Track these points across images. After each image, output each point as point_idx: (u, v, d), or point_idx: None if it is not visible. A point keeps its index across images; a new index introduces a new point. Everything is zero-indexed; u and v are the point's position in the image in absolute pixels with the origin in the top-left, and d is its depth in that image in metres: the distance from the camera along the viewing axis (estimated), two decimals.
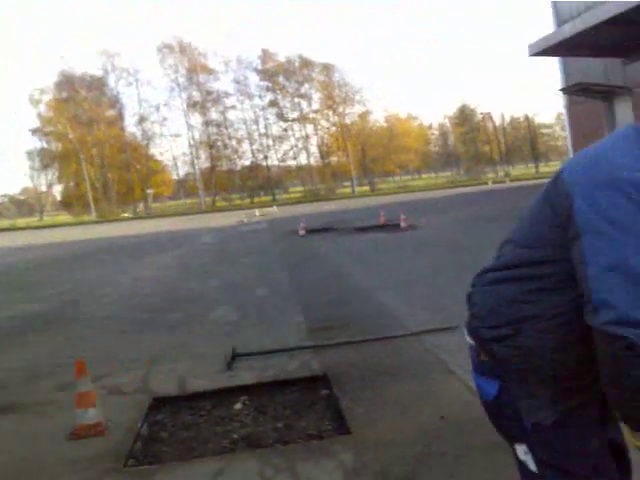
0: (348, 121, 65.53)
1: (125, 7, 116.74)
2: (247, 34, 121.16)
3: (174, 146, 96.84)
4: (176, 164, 65.95)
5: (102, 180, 59.72)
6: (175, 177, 69.21)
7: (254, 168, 63.15)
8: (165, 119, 63.30)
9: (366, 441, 3.50)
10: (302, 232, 18.07)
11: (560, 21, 27.56)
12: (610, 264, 1.31)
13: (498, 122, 77.32)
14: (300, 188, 67.86)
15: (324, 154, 67.01)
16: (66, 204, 65.33)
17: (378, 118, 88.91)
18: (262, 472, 3.24)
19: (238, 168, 64.26)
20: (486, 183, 48.88)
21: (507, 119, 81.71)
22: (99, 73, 60.56)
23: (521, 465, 1.62)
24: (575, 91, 27.17)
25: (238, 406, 4.35)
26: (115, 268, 13.88)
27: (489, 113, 78.03)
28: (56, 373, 5.43)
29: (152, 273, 12.36)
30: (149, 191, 56.10)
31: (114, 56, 59.74)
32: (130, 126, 64.21)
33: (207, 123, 61.69)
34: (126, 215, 54.05)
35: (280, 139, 65.73)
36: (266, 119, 64.74)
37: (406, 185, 64.91)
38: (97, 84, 60.53)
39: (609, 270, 1.31)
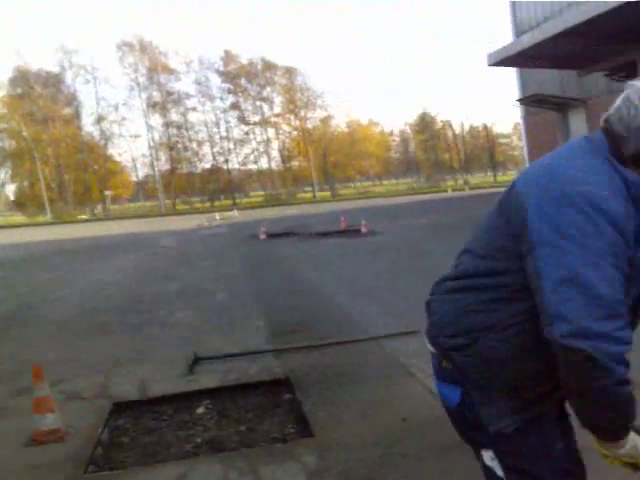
0: (310, 126, 65.72)
1: (84, 3, 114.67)
2: (209, 35, 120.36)
3: (133, 147, 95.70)
4: (135, 165, 65.02)
5: (58, 180, 58.33)
6: (134, 179, 68.26)
7: (215, 171, 62.65)
8: (124, 119, 62.35)
9: (329, 444, 3.54)
10: (263, 236, 18.04)
11: (519, 31, 28.23)
12: (563, 277, 1.33)
13: (458, 130, 78.66)
14: (261, 192, 67.63)
15: (285, 158, 66.97)
16: (19, 204, 63.56)
17: (340, 123, 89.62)
18: (226, 476, 3.25)
19: (199, 171, 63.65)
20: (446, 191, 49.58)
21: (466, 128, 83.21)
22: (56, 70, 59.16)
23: (488, 471, 1.63)
24: (531, 102, 27.85)
25: (201, 410, 4.34)
26: (73, 271, 13.61)
27: (449, 121, 79.36)
28: (13, 378, 5.32)
29: (111, 276, 12.17)
30: (107, 192, 55.11)
31: (72, 53, 58.40)
32: (87, 125, 62.85)
33: (167, 124, 60.95)
34: (83, 217, 52.95)
35: (241, 142, 65.43)
36: (227, 122, 64.41)
37: (367, 191, 65.28)
38: (53, 81, 59.13)
39: (563, 283, 1.33)
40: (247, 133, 65.13)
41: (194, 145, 63.14)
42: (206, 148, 64.18)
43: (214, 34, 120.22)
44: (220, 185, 62.47)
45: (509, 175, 71.07)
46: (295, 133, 66.15)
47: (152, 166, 59.92)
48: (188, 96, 62.06)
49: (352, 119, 76.36)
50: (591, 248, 1.32)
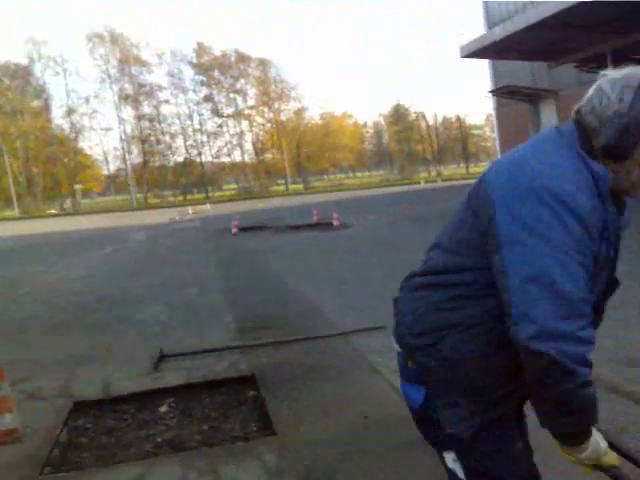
0: (283, 118, 65.51)
1: None
2: (181, 27, 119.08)
3: (105, 140, 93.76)
4: (106, 159, 64.19)
5: (26, 174, 57.33)
6: (105, 172, 67.36)
7: (188, 164, 62.12)
8: (95, 112, 61.18)
9: (290, 442, 3.51)
10: (235, 230, 17.93)
11: (491, 23, 28.44)
12: (529, 275, 1.32)
13: (431, 122, 79.02)
14: (234, 186, 67.29)
15: (259, 151, 66.67)
16: None
17: (313, 115, 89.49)
18: (185, 476, 3.21)
19: (171, 164, 63.10)
20: (419, 182, 49.77)
21: (440, 119, 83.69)
22: (24, 61, 58.03)
23: (450, 473, 1.63)
24: (503, 93, 28.08)
25: (164, 409, 4.29)
26: (39, 266, 13.38)
27: (423, 113, 79.87)
28: None
29: (79, 272, 11.99)
30: (77, 186, 54.11)
31: (40, 44, 57.34)
32: (57, 118, 61.84)
33: (139, 117, 60.20)
34: (52, 212, 52.10)
35: (214, 135, 64.97)
36: (200, 114, 63.85)
37: (340, 183, 65.26)
38: (22, 73, 57.93)
39: (528, 282, 1.32)
40: (220, 126, 64.72)
41: (167, 138, 62.59)
42: (179, 141, 63.81)
43: (186, 26, 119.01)
44: (193, 178, 61.98)
45: (481, 166, 71.66)
46: (269, 125, 65.92)
47: (124, 159, 59.12)
48: (161, 88, 61.45)
49: (326, 111, 76.46)
50: (557, 245, 1.31)
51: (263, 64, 63.17)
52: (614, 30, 16.28)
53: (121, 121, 58.38)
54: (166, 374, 4.93)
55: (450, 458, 1.59)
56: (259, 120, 65.96)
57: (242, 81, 63.53)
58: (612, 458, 1.51)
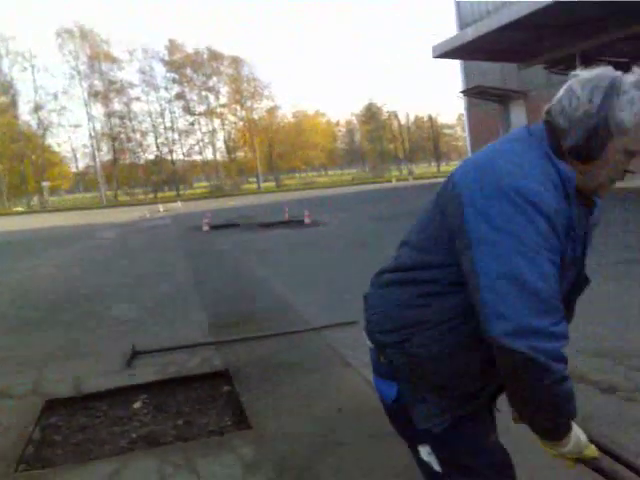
0: (256, 116, 65.25)
1: None
2: (153, 23, 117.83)
3: (74, 137, 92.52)
4: (75, 156, 63.26)
5: None
6: (74, 170, 66.36)
7: (158, 162, 61.50)
8: (64, 108, 59.80)
9: (266, 435, 3.55)
10: (206, 228, 17.86)
11: (463, 24, 28.75)
12: (500, 273, 1.32)
13: (403, 121, 79.54)
14: (205, 183, 66.88)
15: (230, 149, 66.33)
16: None
17: (286, 114, 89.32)
18: (161, 470, 3.21)
19: (142, 162, 62.39)
20: (390, 181, 50.06)
21: (412, 118, 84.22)
22: None
23: (425, 466, 1.64)
24: (474, 93, 28.46)
25: (137, 405, 4.28)
26: (6, 264, 13.16)
27: (395, 112, 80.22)
28: None
29: (48, 269, 11.83)
30: (45, 184, 53.19)
31: (8, 40, 56.30)
32: (25, 114, 60.69)
33: (110, 114, 59.39)
34: (19, 209, 51.17)
35: (186, 133, 64.44)
36: (172, 112, 63.28)
37: (312, 181, 65.27)
38: None
39: (499, 280, 1.32)
40: (192, 123, 64.22)
41: (138, 135, 61.85)
42: (150, 139, 63.02)
43: (158, 23, 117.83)
44: (164, 176, 61.38)
45: (452, 165, 72.10)
46: (241, 124, 65.59)
47: (93, 157, 58.27)
48: (131, 85, 60.74)
49: (298, 109, 76.39)
50: (526, 243, 1.32)
51: (236, 62, 62.87)
52: (583, 32, 16.60)
53: (91, 118, 57.58)
54: (139, 371, 4.91)
55: (425, 451, 1.61)
56: (231, 118, 65.68)
57: (214, 79, 63.19)
58: (592, 450, 1.52)
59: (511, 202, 1.33)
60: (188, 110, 63.27)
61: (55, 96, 57.79)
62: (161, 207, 34.08)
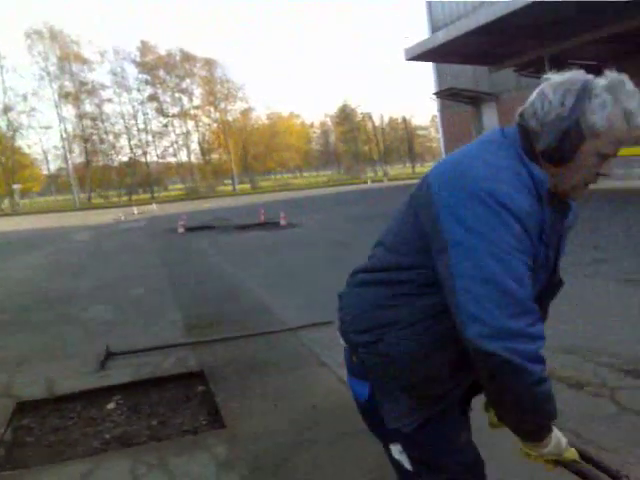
0: (230, 118, 64.97)
1: None
2: (125, 24, 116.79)
3: (44, 139, 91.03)
4: (47, 158, 62.30)
5: None
6: (46, 172, 65.35)
7: (132, 164, 60.89)
8: (34, 109, 58.84)
9: (240, 434, 3.56)
10: (181, 230, 17.76)
11: (435, 28, 28.99)
12: (475, 276, 1.32)
13: (378, 122, 79.81)
14: (180, 186, 66.42)
15: (205, 151, 65.99)
16: None
17: (260, 115, 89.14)
18: (134, 470, 3.21)
19: (115, 164, 61.74)
20: (365, 182, 50.20)
21: (386, 120, 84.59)
22: None
23: (396, 464, 1.65)
24: (446, 95, 28.73)
25: (111, 406, 4.26)
26: None
27: (369, 113, 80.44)
28: None
29: (21, 273, 11.66)
30: (15, 186, 52.30)
31: None
32: None
33: (81, 116, 58.62)
34: None
35: (160, 135, 63.89)
36: (145, 114, 62.70)
37: (287, 183, 65.27)
38: None
39: (474, 282, 1.32)
40: (166, 125, 63.71)
41: (110, 137, 61.15)
42: (123, 140, 62.42)
43: (130, 24, 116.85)
44: (138, 178, 60.79)
45: (427, 166, 72.69)
46: (215, 125, 65.26)
47: (65, 159, 57.48)
48: (103, 87, 60.00)
49: (273, 111, 76.36)
50: (500, 245, 1.32)
51: (209, 64, 62.53)
52: (551, 36, 16.87)
53: (61, 119, 56.80)
54: (113, 372, 4.89)
55: (396, 450, 1.62)
56: (205, 120, 65.30)
57: (188, 81, 62.74)
58: (572, 453, 1.54)
59: (484, 205, 1.33)
60: (161, 112, 62.80)
61: (25, 97, 56.85)
62: (136, 209, 33.79)
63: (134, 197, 56.77)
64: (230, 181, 63.55)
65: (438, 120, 35.56)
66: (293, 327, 5.81)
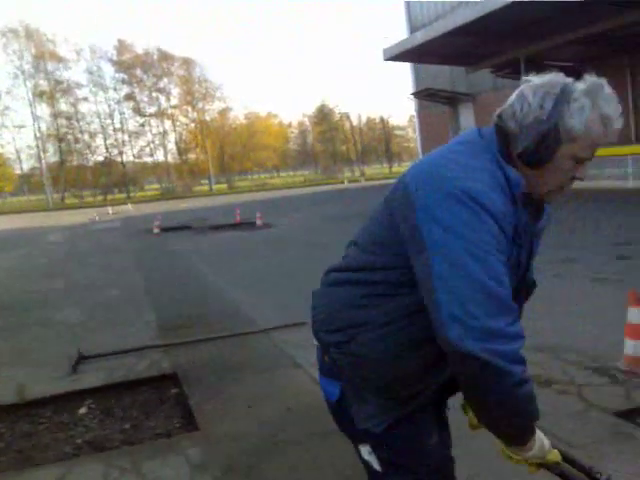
0: (207, 118, 64.67)
1: None
2: (101, 23, 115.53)
3: (18, 138, 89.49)
4: (19, 158, 61.36)
5: None
6: (19, 172, 64.36)
7: (108, 164, 60.28)
8: (7, 108, 57.89)
9: (214, 436, 3.56)
10: (157, 230, 17.65)
11: (413, 28, 29.17)
12: (454, 275, 1.31)
13: (355, 122, 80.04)
14: (157, 186, 65.91)
15: (182, 151, 65.55)
16: None
17: (238, 115, 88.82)
18: (106, 474, 3.19)
19: (90, 164, 61.04)
20: (343, 182, 50.30)
21: (364, 120, 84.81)
22: None
23: (366, 465, 1.64)
24: (424, 96, 28.94)
25: (83, 410, 4.22)
26: None
27: (347, 113, 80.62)
28: None
29: None
30: None
31: None
32: None
33: (56, 115, 57.86)
34: None
35: (136, 134, 63.32)
36: (122, 113, 62.09)
37: (264, 183, 65.11)
38: None
39: (453, 282, 1.31)
40: (143, 125, 63.15)
41: (86, 137, 60.45)
42: (99, 140, 61.66)
43: (106, 23, 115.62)
44: (114, 178, 60.18)
45: (404, 166, 72.93)
46: (192, 125, 64.88)
47: (39, 158, 56.69)
48: (79, 86, 59.27)
49: (250, 111, 76.14)
50: (478, 244, 1.31)
51: (187, 63, 62.15)
52: (528, 37, 17.08)
53: (36, 118, 56.02)
54: (85, 376, 4.84)
55: (365, 450, 1.61)
56: (183, 120, 64.87)
57: (165, 80, 62.27)
58: (555, 455, 1.52)
59: (462, 204, 1.33)
60: (138, 111, 62.25)
61: None
62: (110, 210, 33.48)
63: (109, 197, 56.19)
64: (207, 181, 63.24)
65: (415, 120, 35.78)
66: (267, 328, 5.81)
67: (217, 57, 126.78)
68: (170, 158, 65.63)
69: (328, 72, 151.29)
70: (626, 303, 4.06)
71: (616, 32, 16.13)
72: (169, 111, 63.44)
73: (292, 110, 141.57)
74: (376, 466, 1.61)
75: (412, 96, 31.23)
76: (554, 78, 1.43)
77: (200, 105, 63.55)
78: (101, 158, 61.35)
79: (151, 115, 62.92)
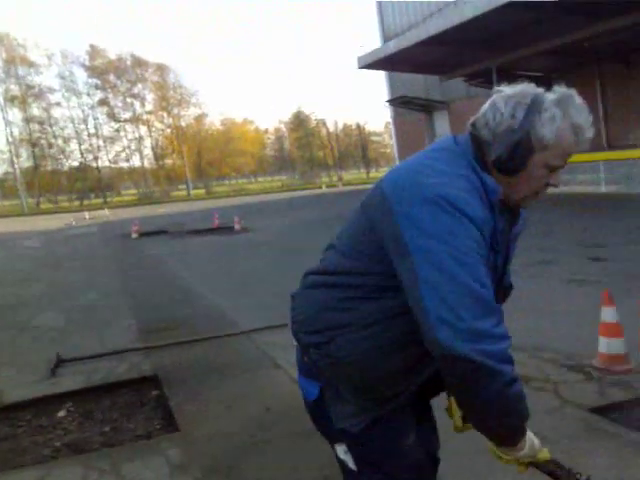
0: (183, 124, 64.32)
1: None
2: (73, 27, 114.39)
3: None
4: None
5: None
6: None
7: (83, 169, 59.64)
8: None
9: (194, 437, 3.56)
10: (135, 235, 17.54)
11: (387, 37, 29.38)
12: (439, 280, 1.31)
13: (332, 129, 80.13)
14: (134, 191, 65.37)
15: (158, 156, 65.10)
16: None
17: (214, 121, 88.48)
18: (85, 476, 3.18)
19: (65, 169, 60.37)
20: (320, 187, 50.37)
21: (340, 126, 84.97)
22: None
23: (342, 464, 1.66)
24: (399, 103, 29.11)
25: (62, 414, 4.20)
26: None
27: (323, 120, 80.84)
28: None
29: None
30: None
31: None
32: None
33: (28, 119, 57.15)
34: None
35: (112, 140, 62.71)
36: (96, 118, 61.47)
37: (242, 188, 64.85)
38: None
39: (439, 285, 1.31)
40: (118, 130, 62.54)
41: (60, 142, 59.74)
42: (73, 145, 60.99)
43: (78, 28, 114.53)
44: (89, 183, 59.55)
45: (381, 171, 73.18)
46: (168, 131, 64.48)
47: (12, 163, 55.89)
48: (51, 90, 58.56)
49: (227, 117, 75.97)
50: (460, 248, 1.33)
51: (161, 69, 61.74)
52: (499, 48, 17.31)
53: (7, 123, 55.23)
54: (64, 379, 4.82)
55: (341, 450, 1.63)
56: (158, 125, 64.41)
57: (140, 86, 61.82)
58: (545, 453, 1.54)
59: (442, 209, 1.34)
60: (113, 117, 61.64)
61: None
62: (87, 214, 33.11)
63: (85, 202, 55.56)
64: (184, 186, 62.87)
65: (391, 127, 35.96)
66: (247, 330, 5.83)
67: (193, 63, 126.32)
68: (147, 163, 65.17)
69: (304, 79, 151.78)
70: (600, 303, 4.16)
71: (585, 43, 16.44)
72: (144, 117, 62.99)
73: (268, 117, 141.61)
74: (351, 465, 1.62)
75: (387, 103, 31.42)
76: (525, 88, 1.47)
77: (175, 111, 63.22)
78: (76, 163, 60.67)
79: (126, 120, 62.38)
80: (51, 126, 58.68)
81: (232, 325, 6.16)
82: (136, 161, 64.67)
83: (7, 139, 55.08)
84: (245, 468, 3.16)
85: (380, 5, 31.29)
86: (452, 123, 26.78)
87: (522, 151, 1.42)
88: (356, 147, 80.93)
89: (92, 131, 60.94)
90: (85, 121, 60.51)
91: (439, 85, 25.60)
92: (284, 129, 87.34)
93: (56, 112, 60.96)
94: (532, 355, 4.39)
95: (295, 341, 1.66)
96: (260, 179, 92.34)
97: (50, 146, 59.11)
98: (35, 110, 57.62)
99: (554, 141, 1.42)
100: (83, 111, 60.48)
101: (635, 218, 11.92)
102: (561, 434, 3.17)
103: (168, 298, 7.98)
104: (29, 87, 56.57)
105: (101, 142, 61.77)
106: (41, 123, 58.22)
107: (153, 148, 64.82)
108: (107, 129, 62.68)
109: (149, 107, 63.04)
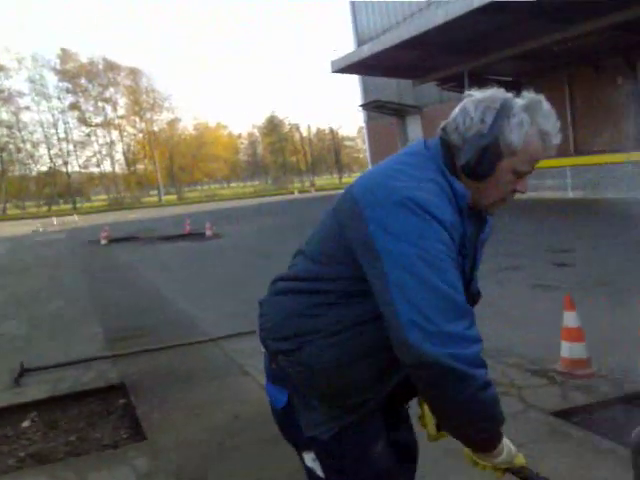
0: (156, 128, 63.90)
1: None
2: (44, 31, 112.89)
3: None
4: None
5: None
6: None
7: (52, 174, 58.85)
8: None
9: (161, 445, 3.54)
10: (104, 241, 17.35)
11: (361, 41, 29.55)
12: (410, 283, 1.31)
13: (305, 133, 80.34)
14: (104, 196, 64.68)
15: (130, 161, 64.54)
16: None
17: (187, 126, 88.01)
18: None
19: (34, 174, 59.51)
20: (293, 192, 50.43)
21: (314, 131, 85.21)
22: None
23: (309, 472, 1.64)
24: (372, 108, 29.27)
25: (26, 424, 4.13)
26: None
27: (297, 124, 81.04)
28: None
29: None
30: None
31: None
32: None
33: None
34: None
35: (82, 144, 62.09)
36: (66, 123, 60.80)
37: (214, 194, 64.66)
38: None
39: (412, 290, 1.31)
40: (88, 135, 61.93)
41: (28, 146, 58.91)
42: (42, 150, 60.24)
43: (49, 31, 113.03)
44: (58, 189, 58.78)
45: (354, 176, 73.29)
46: (140, 136, 64.00)
47: None
48: (20, 94, 57.82)
49: (200, 122, 75.56)
50: (430, 251, 1.32)
51: (134, 73, 61.36)
52: (470, 52, 17.53)
53: None
54: (28, 388, 4.74)
55: (309, 458, 1.61)
56: (130, 130, 63.95)
57: (111, 90, 61.32)
58: (521, 459, 1.53)
59: (412, 213, 1.34)
60: (84, 121, 61.05)
61: None
62: (55, 220, 32.69)
63: (54, 208, 54.92)
64: (156, 192, 62.39)
65: (365, 131, 36.12)
66: (215, 337, 5.81)
67: (165, 67, 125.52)
68: (118, 168, 64.64)
69: (277, 83, 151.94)
70: (562, 308, 4.24)
71: (554, 47, 16.73)
72: (116, 121, 62.51)
73: (242, 121, 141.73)
74: (319, 472, 1.61)
75: (361, 108, 31.59)
76: (495, 93, 1.48)
77: (148, 115, 62.83)
78: (45, 168, 59.91)
79: (97, 125, 61.85)
80: (20, 130, 57.95)
81: (200, 332, 6.13)
82: (107, 166, 64.17)
83: None
84: (213, 476, 3.15)
85: (354, 5, 31.43)
86: (425, 127, 26.99)
87: (490, 156, 1.44)
88: (329, 152, 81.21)
89: (62, 135, 60.39)
90: (55, 125, 59.92)
91: (412, 90, 25.80)
92: (257, 134, 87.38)
93: (25, 116, 60.74)
94: (497, 360, 4.45)
95: (263, 348, 1.65)
96: (233, 184, 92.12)
97: (18, 150, 58.32)
98: (4, 114, 56.81)
99: (522, 147, 1.44)
100: (53, 115, 59.88)
101: (601, 223, 12.17)
102: (525, 437, 3.21)
103: (137, 306, 7.91)
104: None
105: (71, 147, 61.21)
106: (9, 127, 57.42)
107: (125, 153, 64.36)
108: (78, 133, 62.16)
109: (121, 111, 62.70)
